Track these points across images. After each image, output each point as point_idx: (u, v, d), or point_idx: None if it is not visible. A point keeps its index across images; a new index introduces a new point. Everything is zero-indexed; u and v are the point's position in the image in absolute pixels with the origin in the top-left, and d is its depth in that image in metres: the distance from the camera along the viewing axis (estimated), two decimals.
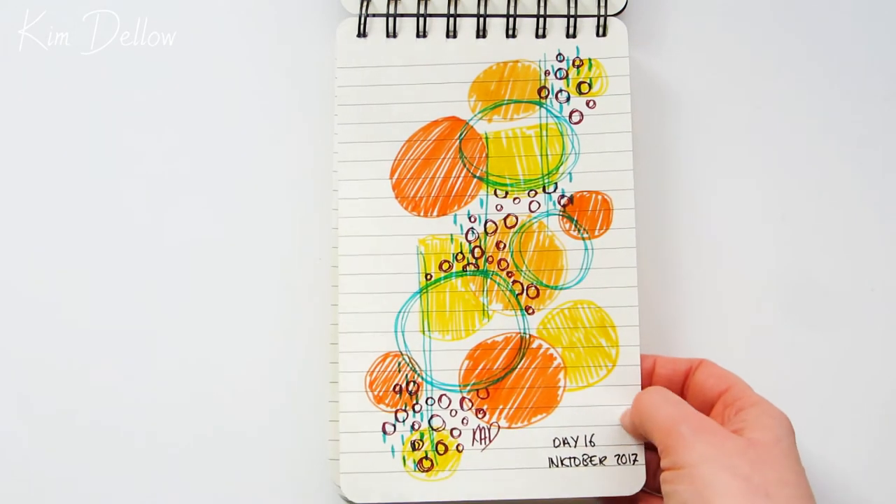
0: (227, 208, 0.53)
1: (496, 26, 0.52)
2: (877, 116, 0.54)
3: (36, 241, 0.53)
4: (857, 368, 0.52)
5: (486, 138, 0.51)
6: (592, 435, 0.48)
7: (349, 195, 0.50)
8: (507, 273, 0.50)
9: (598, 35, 0.52)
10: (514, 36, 0.52)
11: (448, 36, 0.52)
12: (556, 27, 0.52)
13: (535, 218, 0.50)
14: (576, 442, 0.48)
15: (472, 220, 0.50)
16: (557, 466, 0.48)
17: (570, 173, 0.50)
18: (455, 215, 0.50)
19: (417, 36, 0.52)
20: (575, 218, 0.50)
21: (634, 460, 0.48)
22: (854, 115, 0.54)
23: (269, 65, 0.54)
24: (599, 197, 0.50)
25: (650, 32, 0.54)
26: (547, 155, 0.51)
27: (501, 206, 0.50)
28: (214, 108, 0.54)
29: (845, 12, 0.54)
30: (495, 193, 0.50)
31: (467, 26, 0.52)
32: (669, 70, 0.54)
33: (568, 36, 0.52)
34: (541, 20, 0.52)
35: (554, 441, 0.48)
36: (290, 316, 0.53)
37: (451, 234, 0.50)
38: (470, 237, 0.50)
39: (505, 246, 0.50)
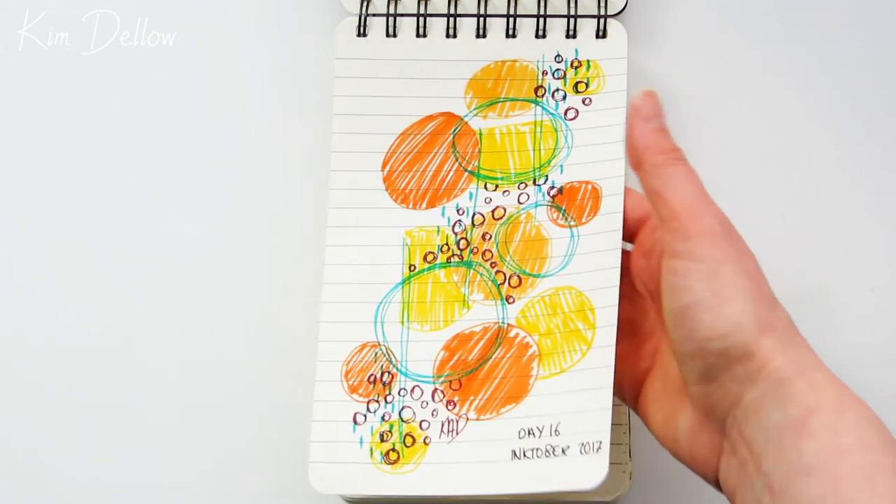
0: (226, 208, 0.53)
1: (496, 26, 0.52)
2: (877, 116, 0.54)
3: (35, 240, 0.53)
4: (857, 369, 0.52)
5: (480, 134, 0.51)
6: (558, 423, 0.45)
7: (340, 186, 0.50)
8: (491, 263, 0.49)
9: (597, 37, 0.52)
10: (513, 36, 0.52)
11: (448, 36, 0.52)
12: (556, 28, 0.52)
13: (522, 209, 0.49)
14: (541, 432, 0.45)
15: (461, 212, 0.50)
16: (520, 459, 0.45)
17: (561, 166, 0.50)
18: (444, 208, 0.50)
19: (417, 36, 0.52)
20: (563, 207, 0.49)
21: (598, 448, 0.44)
22: (854, 115, 0.54)
23: (269, 65, 0.54)
24: (589, 186, 0.49)
25: (650, 33, 0.54)
26: (540, 150, 0.50)
27: (490, 199, 0.50)
28: (214, 108, 0.54)
29: (846, 12, 0.54)
30: (485, 187, 0.50)
31: (467, 26, 0.52)
32: (669, 70, 0.54)
33: (567, 37, 0.52)
34: (541, 20, 0.52)
35: (520, 432, 0.46)
36: (290, 318, 0.52)
37: (438, 227, 0.50)
38: (457, 229, 0.50)
39: (490, 237, 0.49)
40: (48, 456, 0.52)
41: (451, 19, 0.52)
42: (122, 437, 0.52)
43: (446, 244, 0.49)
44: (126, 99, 0.54)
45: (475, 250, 0.49)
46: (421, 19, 0.52)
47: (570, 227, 0.49)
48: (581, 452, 0.44)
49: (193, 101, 0.54)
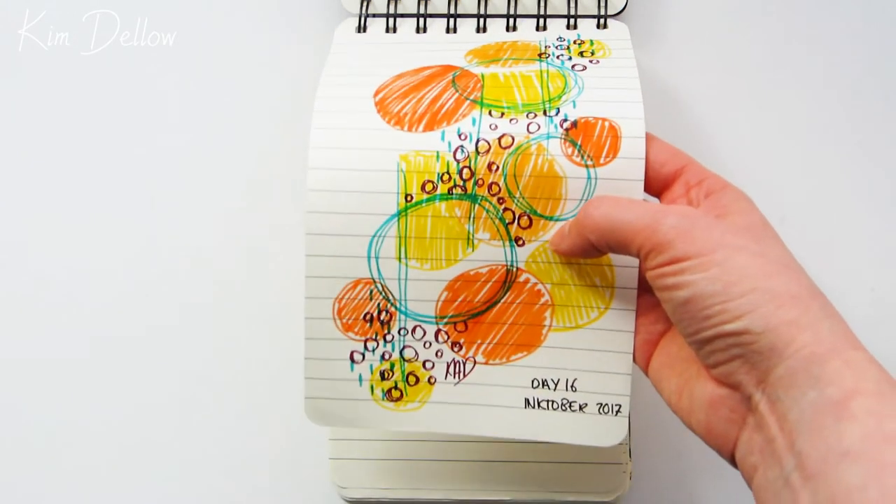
0: (227, 209, 0.53)
1: (496, 24, 0.52)
2: (877, 116, 0.54)
3: (35, 239, 0.53)
4: None
5: (483, 76, 0.46)
6: (575, 380, 0.44)
7: (325, 108, 0.45)
8: (499, 199, 0.44)
9: (598, 28, 0.51)
10: (514, 30, 0.52)
11: (448, 34, 0.52)
12: (556, 22, 0.52)
13: (533, 139, 0.44)
14: (556, 385, 0.44)
15: (463, 137, 0.44)
16: (534, 408, 0.44)
17: (573, 101, 0.45)
18: (443, 132, 0.44)
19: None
20: (579, 143, 0.44)
21: (617, 411, 0.44)
22: (854, 115, 0.54)
23: (269, 65, 0.54)
24: (606, 123, 0.44)
25: (650, 33, 0.54)
26: (548, 87, 0.45)
27: (496, 126, 0.44)
28: (214, 108, 0.54)
29: (846, 12, 0.54)
30: (490, 114, 0.45)
31: (468, 25, 0.52)
32: (669, 70, 0.54)
33: (568, 28, 0.52)
34: (541, 20, 0.52)
35: (532, 382, 0.44)
36: (291, 320, 0.53)
37: (438, 152, 0.44)
38: (459, 156, 0.44)
39: (498, 168, 0.44)
40: (53, 456, 0.52)
41: (451, 19, 0.52)
42: (125, 448, 0.52)
43: (447, 172, 0.44)
44: (126, 99, 0.54)
45: (480, 182, 0.44)
46: (421, 19, 0.52)
47: (586, 166, 0.43)
48: (599, 412, 0.44)
49: (193, 101, 0.54)
